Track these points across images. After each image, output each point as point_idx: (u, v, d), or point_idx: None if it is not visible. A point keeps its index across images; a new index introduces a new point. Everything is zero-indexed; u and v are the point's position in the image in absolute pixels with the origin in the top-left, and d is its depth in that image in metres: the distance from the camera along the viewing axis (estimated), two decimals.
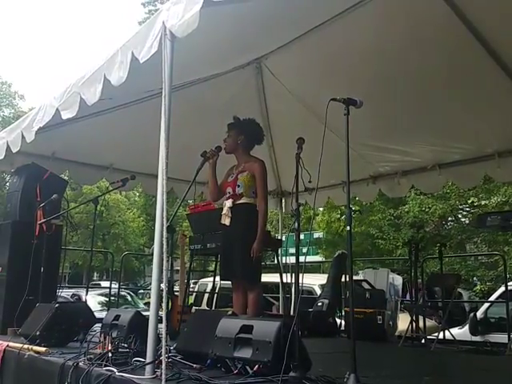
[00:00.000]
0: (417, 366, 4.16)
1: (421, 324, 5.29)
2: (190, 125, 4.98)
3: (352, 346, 2.49)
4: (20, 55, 57.48)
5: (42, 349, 3.53)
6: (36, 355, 3.49)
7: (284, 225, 7.41)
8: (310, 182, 3.01)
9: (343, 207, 15.28)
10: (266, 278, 4.99)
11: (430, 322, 6.29)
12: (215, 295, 6.50)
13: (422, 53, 3.99)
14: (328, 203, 8.16)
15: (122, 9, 66.49)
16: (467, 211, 14.95)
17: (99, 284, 19.05)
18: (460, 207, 14.65)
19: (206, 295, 8.11)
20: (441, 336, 5.15)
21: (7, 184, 29.13)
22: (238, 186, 3.92)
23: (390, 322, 5.21)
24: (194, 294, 8.69)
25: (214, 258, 5.61)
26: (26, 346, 3.67)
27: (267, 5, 3.21)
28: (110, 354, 2.93)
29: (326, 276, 6.67)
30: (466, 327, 6.74)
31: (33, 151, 5.14)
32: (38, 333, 3.81)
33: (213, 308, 6.50)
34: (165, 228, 2.67)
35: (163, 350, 2.49)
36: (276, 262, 4.68)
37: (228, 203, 3.90)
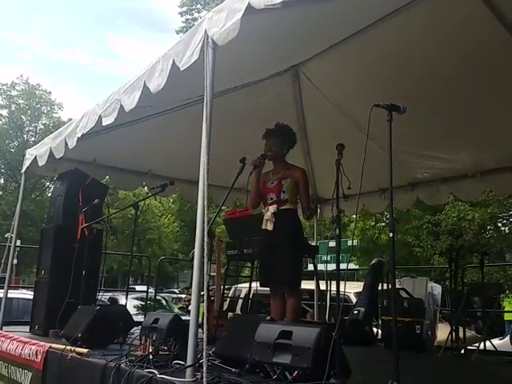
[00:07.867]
0: (459, 376, 4.04)
1: (460, 334, 5.15)
2: (226, 132, 4.99)
3: (395, 355, 2.46)
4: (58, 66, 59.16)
5: (85, 350, 3.59)
6: (78, 356, 3.56)
7: (317, 231, 7.36)
8: (349, 188, 3.00)
9: (378, 214, 15.11)
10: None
11: (468, 333, 6.13)
12: (249, 301, 6.49)
13: (463, 59, 3.91)
14: (363, 210, 8.06)
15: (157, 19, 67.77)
16: (507, 220, 14.55)
17: (134, 288, 19.32)
18: (500, 216, 14.26)
19: (240, 301, 8.11)
20: (481, 346, 5.02)
21: (46, 189, 29.99)
22: (284, 191, 3.93)
23: (429, 332, 5.09)
24: (229, 299, 8.71)
25: (250, 263, 5.62)
26: (68, 348, 3.73)
27: (306, 12, 3.22)
28: (150, 357, 2.99)
29: (360, 284, 6.58)
30: (507, 338, 6.55)
31: (75, 157, 5.32)
32: (79, 335, 3.89)
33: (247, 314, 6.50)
34: (206, 233, 2.70)
35: (204, 354, 2.51)
36: (313, 268, 4.65)
37: (272, 208, 3.90)
